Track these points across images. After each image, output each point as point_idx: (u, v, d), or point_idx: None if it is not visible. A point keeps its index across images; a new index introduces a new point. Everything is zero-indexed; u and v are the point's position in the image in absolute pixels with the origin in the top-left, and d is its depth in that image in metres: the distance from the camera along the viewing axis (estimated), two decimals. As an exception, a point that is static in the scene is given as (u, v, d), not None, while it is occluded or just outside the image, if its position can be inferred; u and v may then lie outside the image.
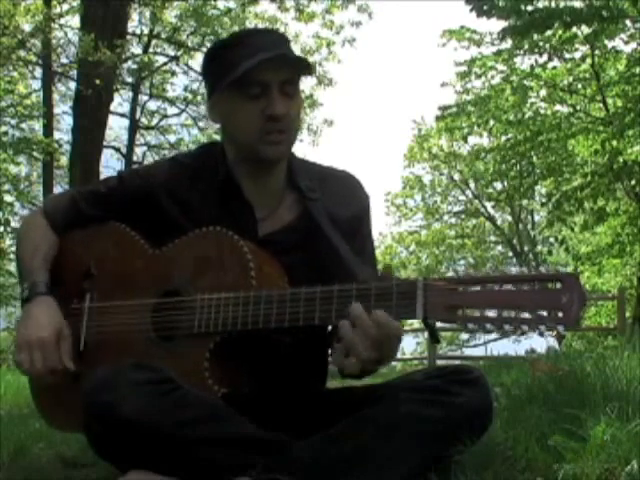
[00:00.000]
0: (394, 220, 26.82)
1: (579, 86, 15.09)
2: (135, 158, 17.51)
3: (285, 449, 1.71)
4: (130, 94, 17.31)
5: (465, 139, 18.57)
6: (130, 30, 15.63)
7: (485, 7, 12.00)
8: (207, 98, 2.02)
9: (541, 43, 14.00)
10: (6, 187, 14.35)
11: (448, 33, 15.27)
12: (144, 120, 18.25)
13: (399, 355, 10.50)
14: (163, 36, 16.79)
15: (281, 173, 1.99)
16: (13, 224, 13.78)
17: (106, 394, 1.69)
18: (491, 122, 16.00)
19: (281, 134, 1.88)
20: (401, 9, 58.25)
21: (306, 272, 1.86)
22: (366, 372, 1.73)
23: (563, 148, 15.32)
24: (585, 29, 13.25)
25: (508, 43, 14.15)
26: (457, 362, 13.56)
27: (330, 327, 1.92)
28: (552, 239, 22.63)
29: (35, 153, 14.63)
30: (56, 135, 14.93)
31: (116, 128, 18.70)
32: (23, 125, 15.14)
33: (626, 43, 13.95)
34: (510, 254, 26.28)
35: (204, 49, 15.16)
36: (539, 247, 25.49)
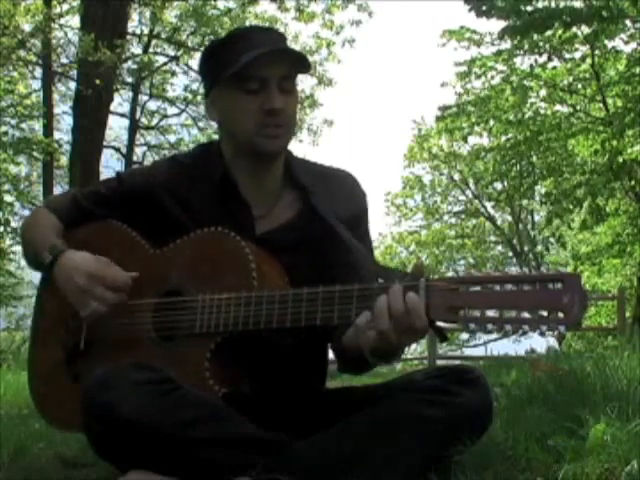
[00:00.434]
0: (394, 220, 26.83)
1: (579, 86, 15.10)
2: (135, 158, 17.47)
3: (285, 449, 1.71)
4: (130, 94, 17.27)
5: (465, 139, 18.59)
6: (130, 30, 15.59)
7: (484, 7, 12.01)
8: (205, 96, 2.03)
9: (541, 43, 14.01)
10: (6, 187, 14.31)
11: (448, 33, 15.28)
12: (144, 120, 18.21)
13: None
14: (163, 36, 16.75)
15: (278, 171, 1.99)
16: (13, 224, 13.75)
17: (106, 394, 1.69)
18: (491, 122, 16.02)
19: (279, 128, 1.89)
20: (401, 9, 58.32)
21: (305, 271, 1.86)
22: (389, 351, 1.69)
23: (563, 148, 15.35)
24: (585, 29, 13.27)
25: (508, 43, 14.17)
26: (457, 362, 13.56)
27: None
28: (551, 238, 22.67)
29: (35, 153, 14.59)
30: (56, 135, 14.89)
31: (116, 128, 18.66)
32: (23, 125, 15.09)
33: (626, 43, 13.98)
34: (510, 254, 26.26)
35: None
36: (539, 247, 25.49)
